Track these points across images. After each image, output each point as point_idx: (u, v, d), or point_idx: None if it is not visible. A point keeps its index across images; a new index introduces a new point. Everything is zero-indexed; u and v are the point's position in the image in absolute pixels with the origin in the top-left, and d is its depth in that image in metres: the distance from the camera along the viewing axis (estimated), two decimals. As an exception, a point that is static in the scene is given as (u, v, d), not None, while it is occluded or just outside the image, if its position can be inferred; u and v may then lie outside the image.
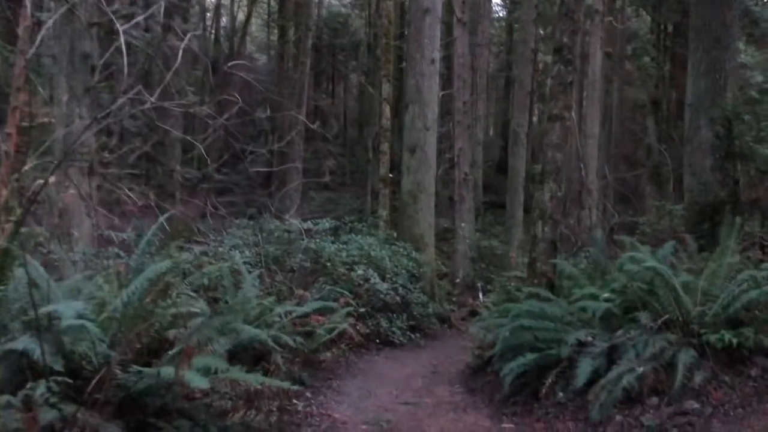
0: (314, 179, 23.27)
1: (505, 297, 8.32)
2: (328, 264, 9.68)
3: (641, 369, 5.53)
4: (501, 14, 28.16)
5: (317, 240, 10.02)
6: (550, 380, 6.03)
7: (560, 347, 6.15)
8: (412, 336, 10.24)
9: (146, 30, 16.00)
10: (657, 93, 19.67)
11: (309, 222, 10.52)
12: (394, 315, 10.11)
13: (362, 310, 9.45)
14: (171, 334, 5.34)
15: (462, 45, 17.25)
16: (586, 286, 6.88)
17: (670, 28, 20.34)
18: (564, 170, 8.13)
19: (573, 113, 8.24)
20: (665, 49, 20.39)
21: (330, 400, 6.77)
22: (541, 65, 25.34)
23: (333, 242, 10.41)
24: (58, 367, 4.01)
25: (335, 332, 7.76)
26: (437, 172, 14.37)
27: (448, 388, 7.60)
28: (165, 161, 13.85)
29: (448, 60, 18.46)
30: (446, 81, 18.56)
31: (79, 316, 4.12)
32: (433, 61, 11.98)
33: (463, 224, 16.65)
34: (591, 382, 5.73)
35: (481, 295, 14.75)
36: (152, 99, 6.15)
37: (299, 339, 7.37)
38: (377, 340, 9.61)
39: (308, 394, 6.68)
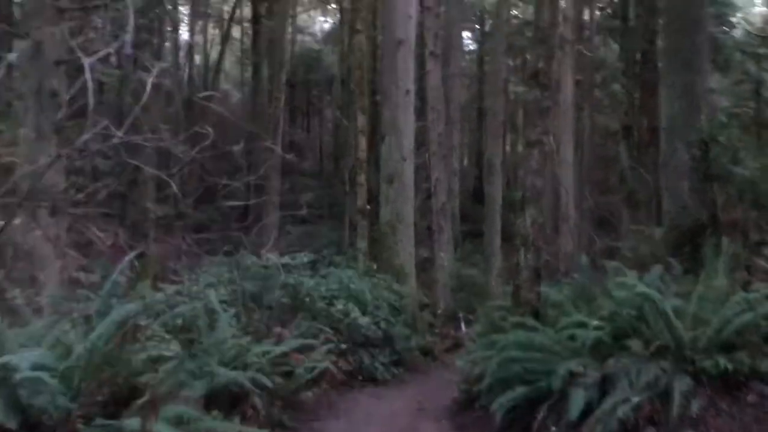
0: (291, 213, 22.98)
1: (489, 328, 8.03)
2: (307, 299, 9.33)
3: (636, 399, 5.26)
4: (472, 47, 28.42)
5: (295, 275, 9.67)
6: (541, 414, 5.74)
7: (551, 379, 5.86)
8: (396, 371, 9.87)
9: (118, 67, 15.71)
10: (628, 119, 19.72)
11: (287, 257, 10.17)
12: (377, 350, 9.75)
13: (343, 346, 9.09)
14: (141, 381, 4.96)
15: (435, 77, 17.17)
16: (573, 314, 6.63)
17: (638, 56, 20.48)
18: (545, 196, 7.94)
19: (551, 138, 8.08)
20: (634, 76, 20.53)
21: (312, 443, 6.39)
22: (512, 96, 25.54)
23: (311, 277, 10.07)
24: (13, 424, 3.63)
25: (316, 371, 7.39)
26: (415, 202, 14.16)
27: (435, 425, 7.26)
28: (138, 200, 13.46)
29: (421, 92, 18.40)
30: (420, 112, 18.47)
31: (37, 367, 3.75)
32: (407, 92, 11.85)
33: (442, 254, 16.39)
34: (585, 414, 5.45)
35: (463, 326, 14.44)
36: (120, 134, 5.82)
37: (278, 379, 7.00)
38: (360, 377, 9.23)
39: (289, 439, 6.30)
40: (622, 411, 5.18)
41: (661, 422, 5.18)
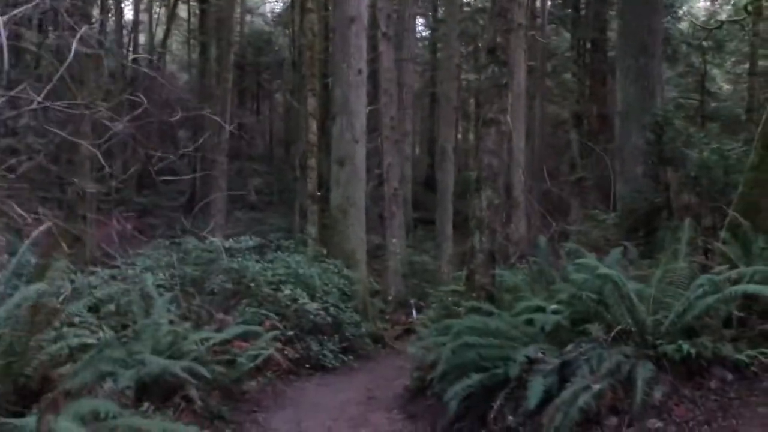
0: (239, 198, 22.23)
1: (443, 313, 7.66)
2: (252, 284, 8.79)
3: (597, 387, 4.92)
4: (425, 34, 28.01)
5: (239, 259, 9.11)
6: (498, 402, 5.36)
7: (508, 366, 5.51)
8: (345, 358, 9.43)
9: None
10: (578, 108, 19.68)
11: (231, 240, 9.60)
12: (326, 337, 9.29)
13: (290, 333, 8.60)
14: (56, 372, 4.38)
15: (387, 59, 16.72)
16: (530, 298, 6.28)
17: (588, 45, 20.45)
18: (501, 177, 7.57)
19: (508, 117, 7.71)
20: (585, 65, 20.49)
21: (254, 437, 5.90)
22: (464, 83, 25.26)
23: (257, 261, 9.52)
24: None
25: (260, 359, 6.88)
26: (366, 187, 13.72)
27: (386, 415, 6.84)
28: (75, 180, 12.60)
29: (374, 75, 17.93)
30: (373, 97, 17.98)
31: None
32: (360, 72, 11.35)
33: (394, 240, 16.00)
34: (544, 403, 5.08)
35: (414, 312, 14.09)
36: (38, 98, 5.19)
37: (219, 368, 6.47)
38: (307, 365, 8.75)
39: (228, 432, 5.78)
40: (583, 399, 4.83)
41: (624, 410, 4.86)
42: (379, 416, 6.81)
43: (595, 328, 5.39)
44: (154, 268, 8.81)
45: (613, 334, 5.28)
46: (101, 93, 13.74)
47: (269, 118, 27.40)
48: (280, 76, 24.79)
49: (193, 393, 5.70)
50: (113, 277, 7.99)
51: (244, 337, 7.65)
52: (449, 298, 8.31)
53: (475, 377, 5.53)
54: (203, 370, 5.65)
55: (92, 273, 7.73)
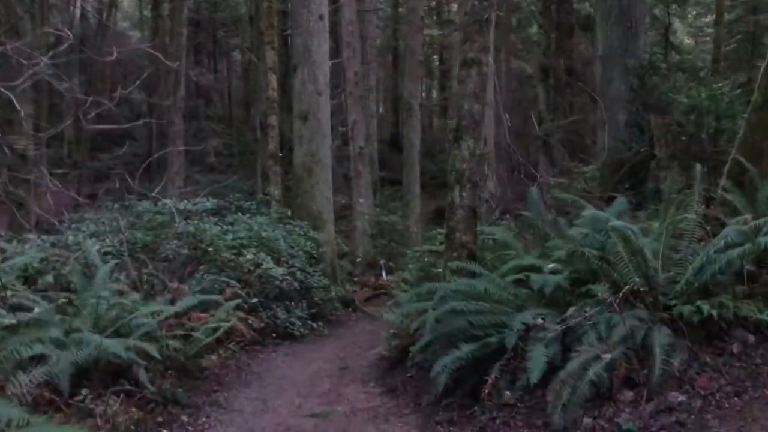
0: (199, 160, 21.01)
1: (422, 275, 6.87)
2: (210, 249, 7.86)
3: (609, 356, 4.21)
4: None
5: (196, 222, 8.15)
6: (493, 376, 4.62)
7: (502, 334, 4.76)
8: (315, 325, 8.63)
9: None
10: (545, 61, 18.88)
11: (186, 202, 8.61)
12: (293, 303, 8.45)
13: (254, 300, 7.73)
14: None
15: (350, 11, 15.63)
16: (520, 256, 5.51)
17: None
18: (483, 125, 6.74)
19: (491, 57, 6.86)
20: (550, 17, 19.61)
21: (214, 421, 5.04)
22: (428, 39, 24.21)
23: (216, 224, 8.56)
24: None
25: (220, 332, 6.00)
26: (331, 145, 12.79)
27: (362, 388, 6.07)
28: (15, 142, 11.33)
29: (334, 29, 16.80)
30: (334, 51, 16.87)
31: None
32: (321, 18, 10.30)
33: (361, 200, 15.15)
34: (545, 375, 4.36)
35: (384, 274, 13.34)
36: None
37: (174, 344, 5.59)
38: (274, 334, 7.92)
39: (184, 418, 4.91)
40: (593, 371, 4.11)
41: (641, 382, 4.16)
42: (354, 390, 6.03)
43: (600, 289, 4.65)
44: (101, 233, 7.80)
45: (621, 295, 4.55)
46: (43, 46, 12.38)
47: (227, 78, 25.96)
48: (238, 33, 23.35)
49: (142, 375, 4.82)
50: (53, 245, 6.97)
51: (203, 307, 6.76)
52: (426, 259, 7.53)
53: (466, 348, 4.76)
54: (152, 349, 4.75)
55: (27, 240, 6.69)
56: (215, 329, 5.88)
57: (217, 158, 22.29)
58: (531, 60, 21.43)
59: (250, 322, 7.31)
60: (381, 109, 23.88)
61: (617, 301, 4.50)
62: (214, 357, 6.59)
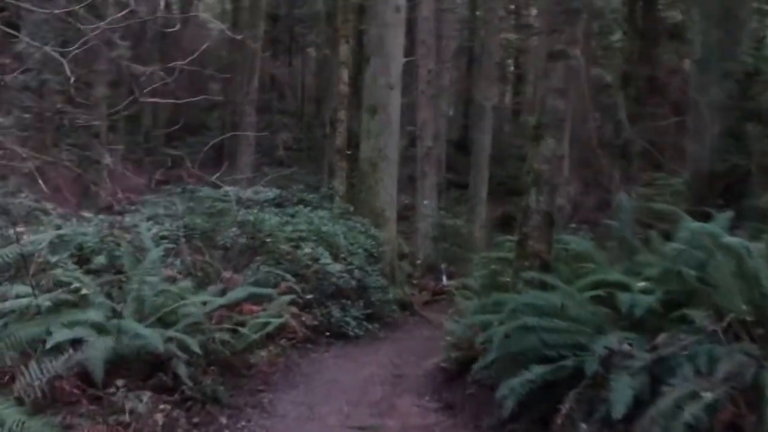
0: (268, 154, 20.91)
1: (488, 282, 6.25)
2: (269, 240, 7.47)
3: (710, 395, 3.51)
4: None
5: (256, 211, 7.78)
6: (567, 405, 3.98)
7: (580, 358, 4.11)
8: (370, 327, 8.12)
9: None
10: (627, 69, 17.81)
11: (248, 191, 8.26)
12: (349, 302, 7.97)
13: (309, 296, 7.29)
14: None
15: (427, 8, 15.07)
16: (604, 271, 4.83)
17: (640, 3, 18.44)
18: (567, 123, 6.08)
19: (579, 51, 6.19)
20: (635, 24, 18.52)
21: (255, 426, 4.58)
22: (504, 42, 23.36)
23: (276, 215, 8.18)
24: None
25: (269, 327, 5.55)
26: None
27: (417, 401, 5.51)
28: (88, 123, 11.33)
29: (410, 26, 16.27)
30: (409, 49, 16.37)
31: None
32: (398, 9, 9.79)
33: (425, 201, 14.59)
34: (630, 411, 3.70)
35: (445, 278, 12.74)
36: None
37: (220, 336, 5.18)
38: (327, 333, 7.46)
39: (222, 419, 4.47)
40: (690, 411, 3.43)
41: (748, 430, 3.45)
42: (408, 402, 5.48)
43: (699, 315, 3.94)
44: (160, 217, 7.54)
45: (725, 324, 3.83)
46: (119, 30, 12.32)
47: (301, 74, 25.85)
48: (314, 30, 23.16)
49: (182, 370, 4.41)
50: (111, 225, 6.71)
51: (256, 300, 6.37)
52: (493, 266, 6.89)
53: (537, 370, 4.14)
54: (192, 343, 4.34)
55: (85, 219, 6.45)
56: (265, 325, 5.43)
57: (286, 152, 22.14)
58: (611, 67, 20.33)
59: (303, 318, 6.87)
60: (451, 112, 23.23)
61: (720, 330, 3.79)
62: (263, 353, 6.16)
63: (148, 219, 7.37)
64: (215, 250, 7.35)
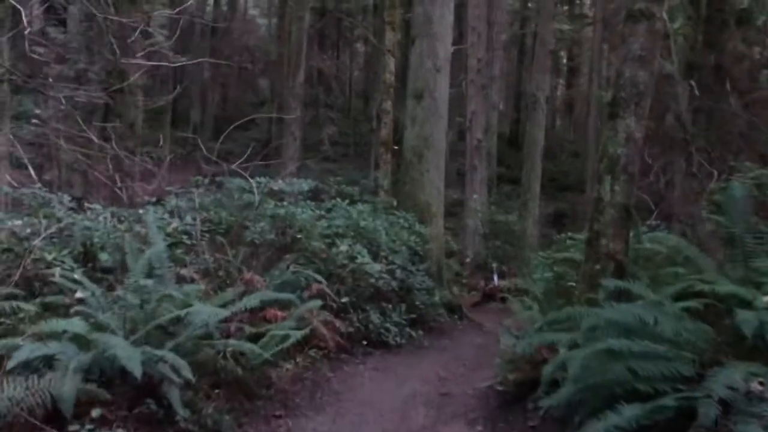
0: (314, 149, 20.09)
1: (552, 287, 5.13)
2: (300, 236, 6.51)
3: None
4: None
5: (286, 204, 6.83)
6: (670, 461, 2.87)
7: (685, 395, 2.99)
8: (413, 333, 7.08)
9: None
10: (692, 56, 16.20)
11: (281, 182, 7.31)
12: (389, 306, 6.96)
13: (344, 300, 6.30)
14: None
15: (478, -7, 13.91)
16: (714, 280, 3.65)
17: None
18: (650, 97, 4.91)
19: (664, 12, 5.01)
20: (699, 10, 16.87)
21: (265, 466, 3.62)
22: (557, 33, 21.91)
23: (312, 210, 7.19)
24: None
25: (291, 340, 4.56)
26: (447, 134, 11.22)
27: (467, 430, 4.45)
28: (124, 112, 10.63)
29: (459, 12, 15.12)
30: (457, 38, 15.22)
31: None
32: (446, -16, 8.70)
33: (475, 196, 13.45)
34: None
35: (496, 278, 11.58)
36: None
37: (234, 346, 4.23)
38: (365, 342, 6.45)
39: (225, 460, 3.52)
40: None
41: None
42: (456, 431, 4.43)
43: None
44: (183, 210, 6.66)
45: None
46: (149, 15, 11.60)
47: (349, 69, 24.99)
48: (363, 24, 22.24)
49: (174, 396, 3.46)
50: (120, 219, 5.86)
51: (282, 304, 5.42)
52: (555, 268, 5.76)
53: (628, 411, 3.03)
54: (183, 366, 3.38)
55: (90, 210, 5.61)
56: (284, 338, 4.44)
57: (332, 147, 21.32)
58: (673, 56, 18.68)
59: (337, 325, 5.87)
60: (502, 105, 21.95)
61: None
62: (289, 366, 5.20)
63: (170, 213, 6.50)
64: (243, 247, 6.43)
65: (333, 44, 24.06)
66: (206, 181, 7.44)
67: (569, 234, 6.99)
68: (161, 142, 13.53)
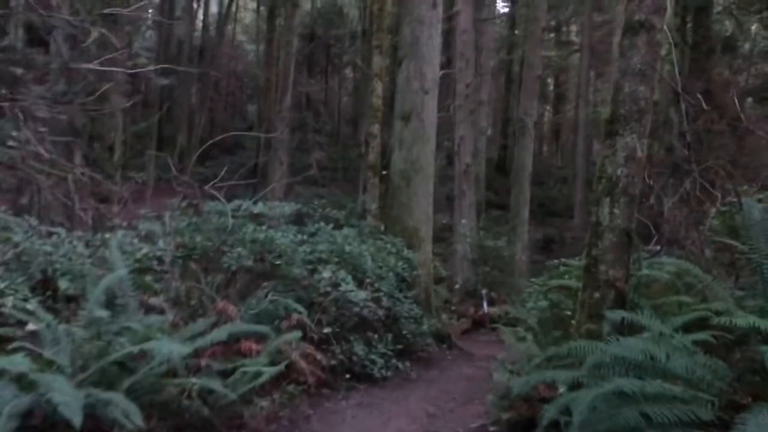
0: (302, 172, 19.72)
1: (548, 317, 4.73)
2: (279, 263, 6.08)
3: None
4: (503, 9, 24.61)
5: (265, 228, 6.41)
6: None
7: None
8: (400, 365, 6.63)
9: None
10: (680, 84, 16.08)
11: (261, 204, 6.91)
12: (376, 336, 6.51)
13: (327, 330, 5.86)
14: None
15: (465, 19, 13.74)
16: (731, 311, 3.26)
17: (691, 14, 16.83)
18: (649, 116, 4.58)
19: (665, 24, 4.71)
20: (685, 36, 16.85)
21: None
22: (544, 60, 21.83)
23: (294, 233, 6.78)
24: None
25: (263, 377, 4.10)
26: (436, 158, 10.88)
27: (457, 477, 4.00)
28: (104, 134, 10.23)
29: (448, 37, 14.96)
30: (445, 63, 15.01)
31: None
32: (434, 5, 8.43)
33: (463, 221, 13.08)
34: None
35: (485, 304, 11.17)
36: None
37: (200, 385, 3.78)
38: (348, 375, 5.99)
39: None
40: None
41: None
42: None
43: None
44: (158, 235, 6.22)
45: None
46: (137, 37, 11.29)
47: (338, 94, 24.76)
48: (351, 50, 22.07)
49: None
50: (87, 243, 5.42)
51: (258, 336, 4.98)
52: (550, 296, 5.36)
53: (643, 465, 2.60)
54: (133, 411, 2.93)
55: (54, 235, 5.16)
56: (257, 374, 3.99)
57: (320, 173, 20.97)
58: (659, 83, 18.60)
59: (318, 358, 5.43)
60: (490, 130, 21.74)
61: None
62: (264, 403, 4.74)
63: (143, 238, 6.07)
64: (219, 273, 5.99)
65: (322, 70, 23.84)
66: (183, 204, 7.02)
67: (562, 260, 6.60)
68: (146, 166, 13.16)
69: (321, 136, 20.70)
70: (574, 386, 3.14)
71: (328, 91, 24.20)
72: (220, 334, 3.95)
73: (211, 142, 15.67)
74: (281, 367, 4.17)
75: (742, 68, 19.59)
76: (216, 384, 3.87)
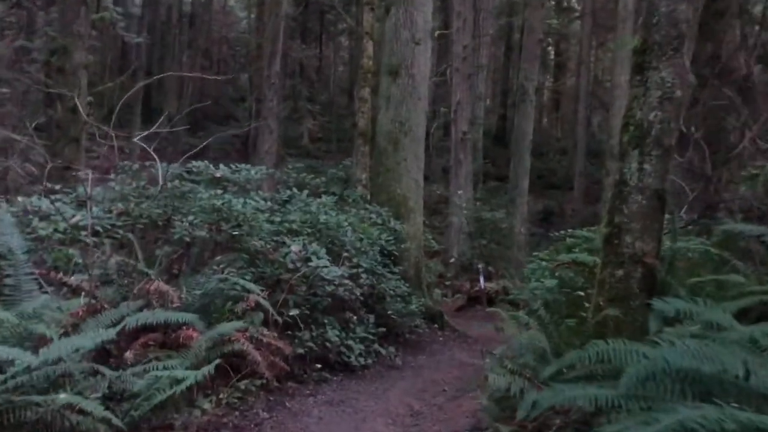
0: (294, 145, 18.61)
1: (558, 299, 3.68)
2: (237, 233, 5.03)
3: None
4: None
5: (222, 193, 5.34)
6: None
7: None
8: (382, 350, 5.65)
9: None
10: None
11: (222, 168, 5.83)
12: (354, 318, 5.50)
13: (294, 312, 4.82)
14: None
15: (463, -25, 12.48)
16: None
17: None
18: (687, 43, 3.49)
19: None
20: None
21: None
22: (545, 27, 20.51)
23: (259, 200, 5.70)
24: None
25: (182, 385, 3.02)
26: (430, 124, 9.81)
27: None
28: (65, 94, 9.09)
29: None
30: (443, 22, 13.80)
31: None
32: (426, -55, 7.24)
33: (459, 192, 11.99)
34: None
35: (482, 280, 10.15)
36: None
37: (78, 400, 2.74)
38: (319, 365, 4.97)
39: None
40: None
41: None
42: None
43: None
44: (97, 202, 5.15)
45: None
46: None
47: (333, 63, 23.46)
48: (347, 17, 20.74)
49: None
50: (14, 214, 4.35)
51: (201, 322, 3.95)
52: (558, 274, 4.30)
53: None
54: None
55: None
56: (176, 382, 2.94)
57: (314, 144, 19.83)
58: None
59: (280, 346, 4.40)
60: (488, 101, 20.50)
61: None
62: (207, 405, 3.74)
63: (78, 205, 5.01)
64: (169, 246, 4.94)
65: (316, 37, 22.52)
66: (135, 167, 5.94)
67: (569, 231, 5.56)
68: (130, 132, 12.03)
69: (314, 105, 19.50)
70: (608, 407, 2.10)
71: (323, 60, 22.90)
72: (109, 333, 2.87)
73: (193, 106, 14.53)
74: (211, 368, 3.09)
75: (752, 33, 18.37)
76: (89, 404, 2.71)
